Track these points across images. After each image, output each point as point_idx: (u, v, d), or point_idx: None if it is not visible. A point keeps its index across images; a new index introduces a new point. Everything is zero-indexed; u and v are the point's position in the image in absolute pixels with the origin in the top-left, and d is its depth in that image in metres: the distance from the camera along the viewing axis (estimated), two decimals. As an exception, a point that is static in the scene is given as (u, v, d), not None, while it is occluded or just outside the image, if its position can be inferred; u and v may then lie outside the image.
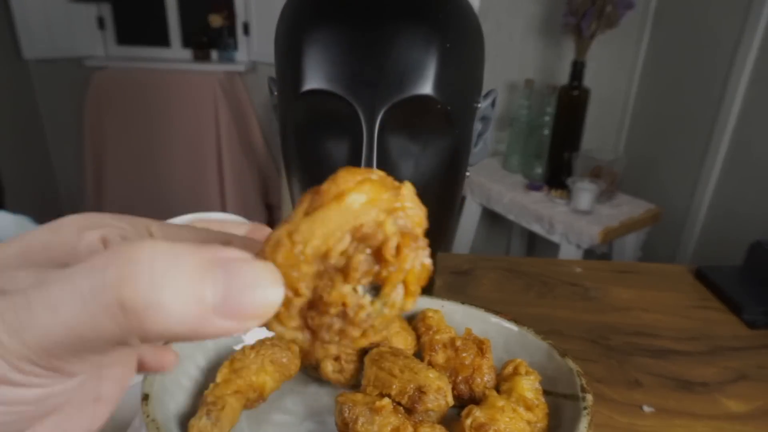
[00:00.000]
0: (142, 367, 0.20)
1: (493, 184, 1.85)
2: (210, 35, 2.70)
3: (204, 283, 0.13)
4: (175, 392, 0.35)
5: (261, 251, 0.16)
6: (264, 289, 0.14)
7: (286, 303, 0.16)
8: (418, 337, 0.41)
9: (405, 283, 0.17)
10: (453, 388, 0.37)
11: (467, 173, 0.49)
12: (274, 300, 0.15)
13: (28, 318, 0.13)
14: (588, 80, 1.70)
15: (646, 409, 0.51)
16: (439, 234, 0.49)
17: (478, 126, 0.50)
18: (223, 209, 2.53)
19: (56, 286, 0.13)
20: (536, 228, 1.72)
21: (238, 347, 0.39)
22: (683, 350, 0.61)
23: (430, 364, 0.39)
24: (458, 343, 0.39)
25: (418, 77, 0.40)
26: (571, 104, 1.71)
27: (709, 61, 1.68)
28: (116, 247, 0.14)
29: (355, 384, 0.39)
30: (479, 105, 0.48)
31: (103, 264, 0.13)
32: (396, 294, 0.17)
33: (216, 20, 2.64)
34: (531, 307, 0.68)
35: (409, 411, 0.33)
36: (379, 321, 0.17)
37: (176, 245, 0.14)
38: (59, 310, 0.13)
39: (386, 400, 0.32)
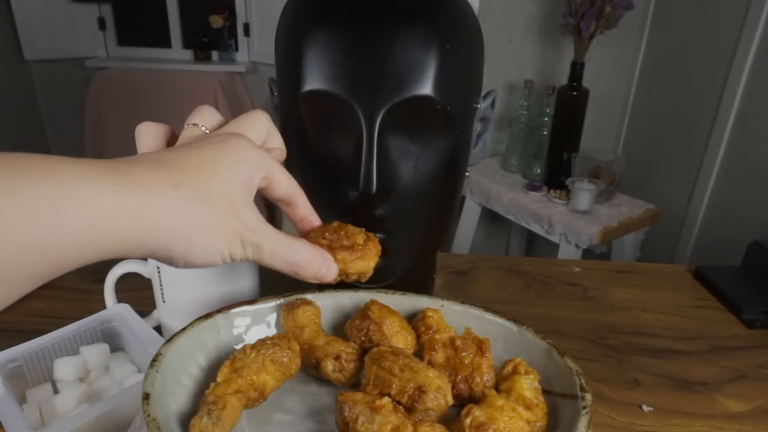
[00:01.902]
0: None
1: (492, 184, 1.86)
2: (210, 36, 2.71)
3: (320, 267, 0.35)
4: (175, 391, 0.35)
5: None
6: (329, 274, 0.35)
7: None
8: (418, 337, 0.41)
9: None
10: (453, 388, 0.37)
11: (467, 173, 0.49)
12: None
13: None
14: (587, 81, 1.71)
15: (645, 408, 0.52)
16: (438, 234, 0.49)
17: (477, 126, 0.50)
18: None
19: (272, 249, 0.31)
20: (535, 228, 1.72)
21: (238, 346, 0.40)
22: (682, 350, 0.61)
23: (430, 363, 0.39)
24: (458, 342, 0.39)
25: (417, 78, 0.40)
26: (570, 105, 1.71)
27: (708, 61, 1.68)
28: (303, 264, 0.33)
29: (355, 383, 0.39)
30: (479, 105, 0.49)
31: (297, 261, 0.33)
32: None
33: (216, 21, 2.65)
34: (530, 306, 0.68)
35: (409, 410, 0.33)
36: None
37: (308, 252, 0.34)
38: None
39: (386, 399, 0.32)
